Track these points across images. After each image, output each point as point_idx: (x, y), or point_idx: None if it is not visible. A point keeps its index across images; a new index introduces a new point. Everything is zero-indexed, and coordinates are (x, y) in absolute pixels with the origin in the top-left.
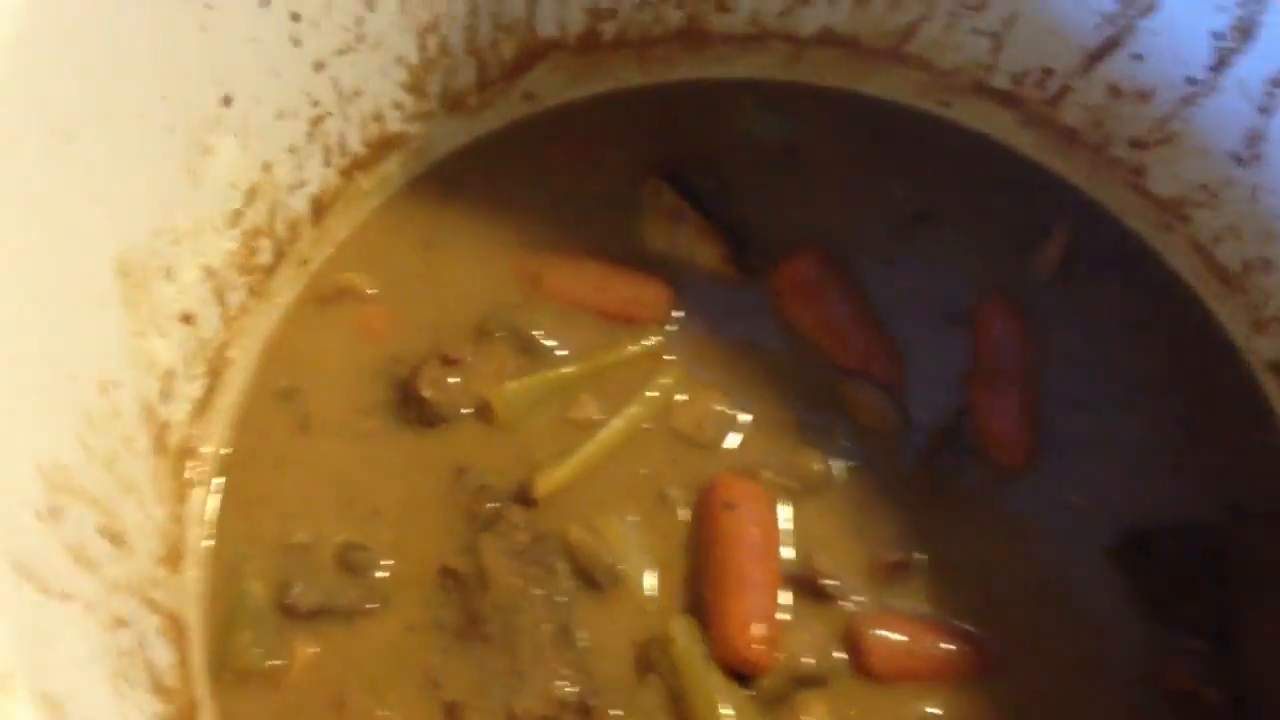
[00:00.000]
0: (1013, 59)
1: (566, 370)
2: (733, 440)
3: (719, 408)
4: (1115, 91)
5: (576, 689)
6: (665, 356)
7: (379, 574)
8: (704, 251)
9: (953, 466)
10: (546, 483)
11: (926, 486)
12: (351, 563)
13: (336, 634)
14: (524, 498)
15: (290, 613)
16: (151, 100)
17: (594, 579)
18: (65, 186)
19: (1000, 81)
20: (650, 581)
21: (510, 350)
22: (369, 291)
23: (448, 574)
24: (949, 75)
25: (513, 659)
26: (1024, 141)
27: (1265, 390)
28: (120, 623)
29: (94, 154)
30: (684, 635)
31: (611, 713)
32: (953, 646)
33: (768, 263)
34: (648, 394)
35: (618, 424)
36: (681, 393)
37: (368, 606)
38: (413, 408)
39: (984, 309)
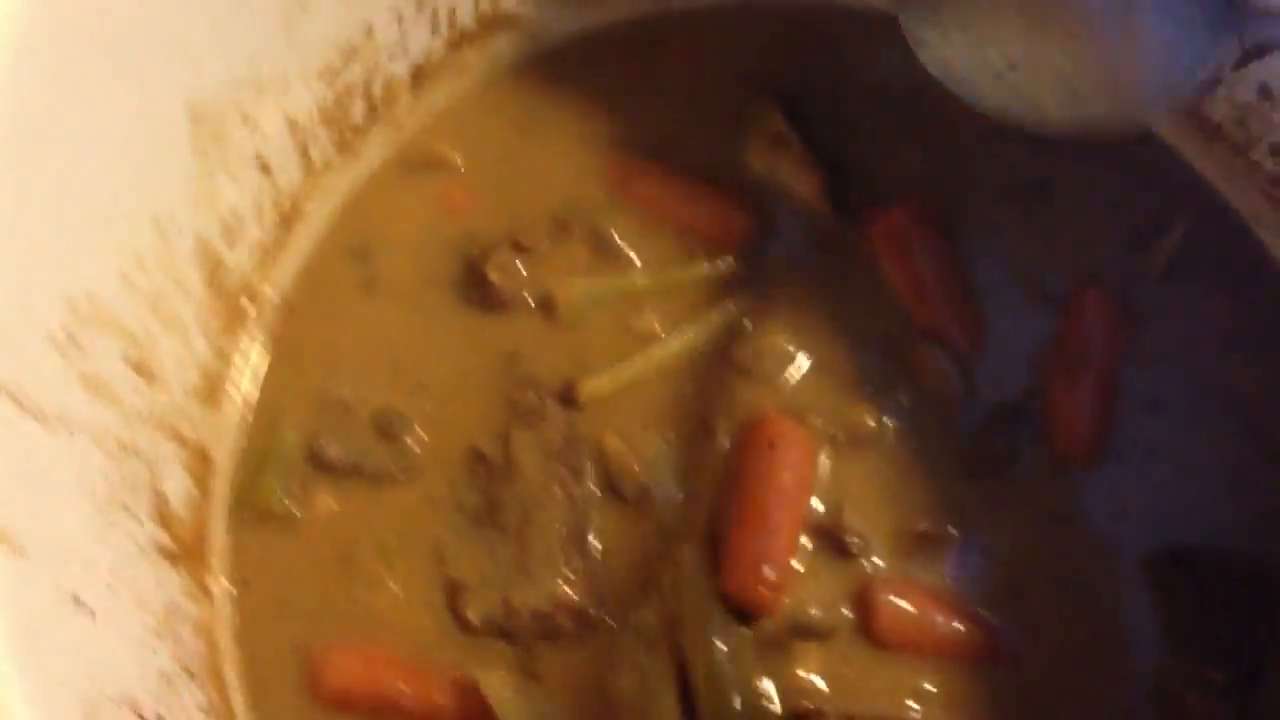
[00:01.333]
0: None
1: (636, 278)
2: (789, 379)
3: (782, 343)
4: (1266, 93)
5: (578, 595)
6: (739, 284)
7: (411, 444)
8: (801, 182)
9: (1008, 448)
10: (592, 387)
11: (976, 463)
12: (386, 427)
13: (359, 494)
14: (567, 397)
15: (318, 464)
16: None
17: (620, 490)
18: (143, 27)
19: None
20: (675, 504)
21: (585, 248)
22: (458, 165)
23: (478, 457)
24: None
25: (522, 553)
26: (1161, 126)
27: None
28: (131, 451)
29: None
30: (692, 561)
31: (609, 623)
32: (963, 627)
33: (865, 206)
34: (713, 318)
35: (674, 343)
36: (747, 321)
37: (394, 472)
38: (477, 288)
39: (1081, 294)
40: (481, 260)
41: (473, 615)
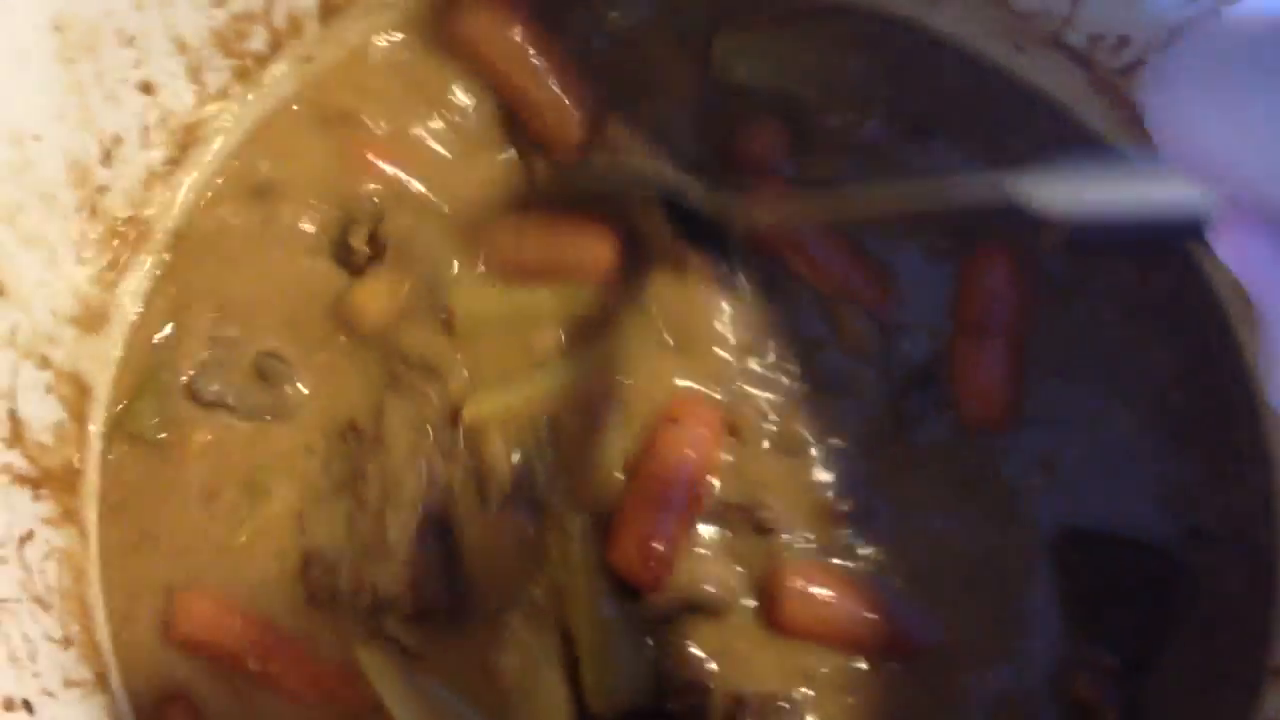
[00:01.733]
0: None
1: (540, 295)
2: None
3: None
4: None
5: (430, 580)
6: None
7: (289, 393)
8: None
9: (920, 413)
10: (476, 411)
11: (891, 431)
12: (266, 370)
13: (233, 432)
14: (453, 418)
15: (195, 397)
16: None
17: (486, 487)
18: None
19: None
20: (561, 485)
21: None
22: (367, 123)
23: (350, 425)
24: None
25: (380, 531)
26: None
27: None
28: None
29: None
30: (581, 533)
31: (473, 607)
32: (873, 618)
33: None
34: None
35: (568, 367)
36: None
37: (267, 417)
38: (349, 255)
39: (980, 254)
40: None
41: (319, 586)
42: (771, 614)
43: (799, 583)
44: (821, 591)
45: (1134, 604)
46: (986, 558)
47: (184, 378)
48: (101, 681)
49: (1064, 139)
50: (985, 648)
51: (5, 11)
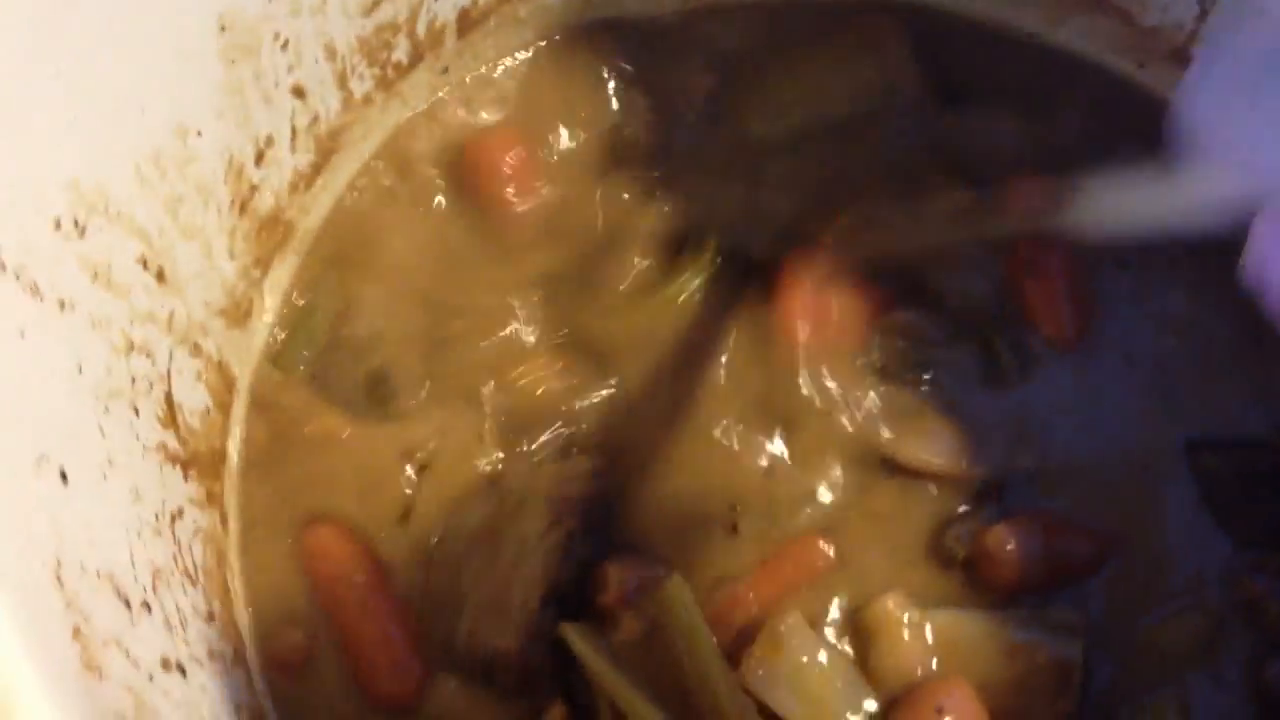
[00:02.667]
0: None
1: None
2: None
3: None
4: None
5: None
6: None
7: (407, 404)
8: None
9: (1015, 347)
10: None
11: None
12: (382, 381)
13: (357, 434)
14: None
15: (324, 393)
16: None
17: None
18: None
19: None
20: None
21: None
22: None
23: (494, 478)
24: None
25: (505, 591)
26: None
27: None
28: (142, 351)
29: None
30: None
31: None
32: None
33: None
34: None
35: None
36: None
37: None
38: None
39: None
40: None
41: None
42: (987, 574)
43: (1009, 541)
44: (1031, 541)
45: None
46: (1131, 469)
47: (314, 373)
48: (239, 657)
49: None
50: (1149, 556)
51: (176, 10)
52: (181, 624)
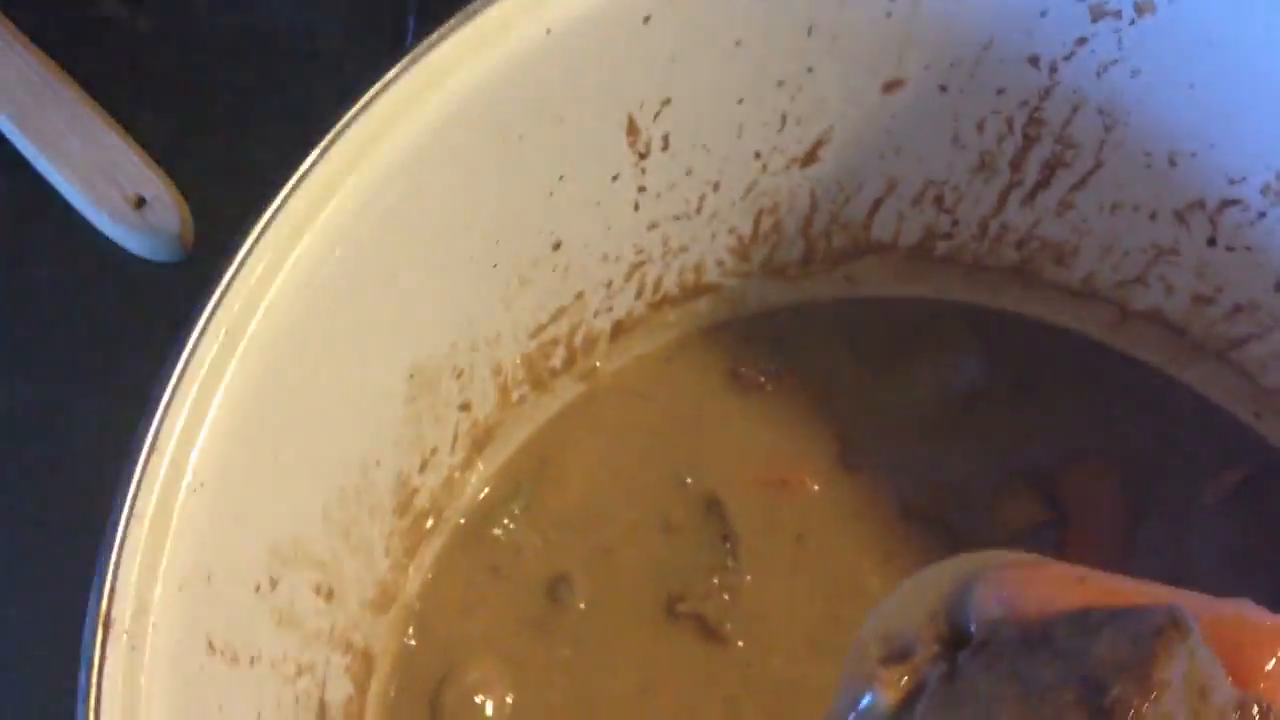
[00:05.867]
0: None
1: None
2: None
3: None
4: None
5: None
6: None
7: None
8: None
9: None
10: None
11: None
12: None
13: None
14: None
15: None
16: (485, 246)
17: None
18: (379, 314)
19: None
20: None
21: None
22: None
23: None
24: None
25: None
26: None
27: None
28: (304, 670)
29: (411, 289)
30: None
31: None
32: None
33: None
34: None
35: None
36: None
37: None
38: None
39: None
40: None
41: None
42: None
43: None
44: None
45: None
46: None
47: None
48: None
49: None
50: None
51: (365, 363)
52: None
